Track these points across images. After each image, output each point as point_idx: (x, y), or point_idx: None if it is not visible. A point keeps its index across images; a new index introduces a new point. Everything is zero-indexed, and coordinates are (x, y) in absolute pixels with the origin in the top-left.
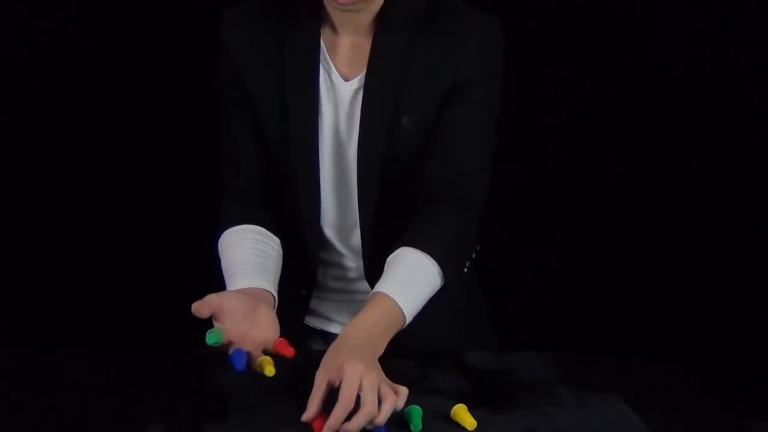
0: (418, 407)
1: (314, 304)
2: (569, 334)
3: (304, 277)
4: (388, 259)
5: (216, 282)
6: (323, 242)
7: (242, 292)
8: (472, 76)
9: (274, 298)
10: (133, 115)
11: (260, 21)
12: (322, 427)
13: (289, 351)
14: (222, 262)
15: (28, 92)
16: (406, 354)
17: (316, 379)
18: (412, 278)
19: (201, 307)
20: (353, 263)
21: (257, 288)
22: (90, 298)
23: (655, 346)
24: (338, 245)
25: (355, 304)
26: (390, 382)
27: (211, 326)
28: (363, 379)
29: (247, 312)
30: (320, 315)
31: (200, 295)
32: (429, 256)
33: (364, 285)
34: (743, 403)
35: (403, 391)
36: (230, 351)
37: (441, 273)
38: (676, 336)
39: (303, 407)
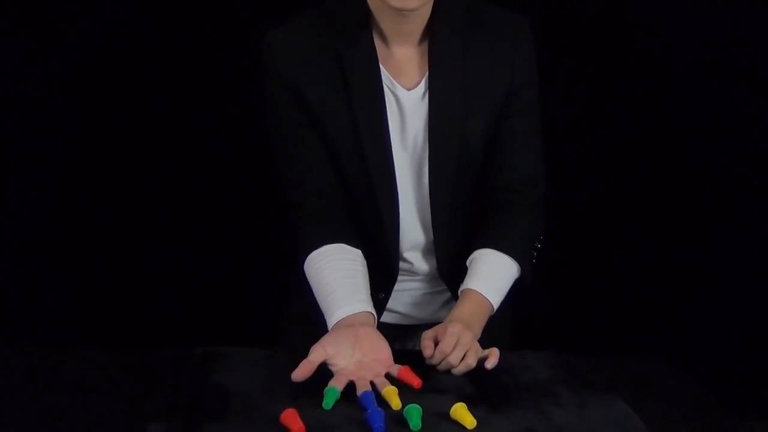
0: (417, 406)
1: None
2: (569, 334)
3: (383, 282)
4: (471, 259)
5: (215, 283)
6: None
7: (338, 327)
8: (523, 78)
9: (373, 314)
10: (134, 115)
11: (314, 41)
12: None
13: (415, 381)
14: (313, 287)
15: (28, 92)
16: (407, 353)
17: (423, 335)
18: (495, 274)
19: (307, 370)
20: (426, 265)
21: (353, 314)
22: (90, 298)
23: (655, 345)
24: (413, 250)
25: (423, 298)
26: (481, 349)
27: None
28: (460, 337)
29: (352, 343)
30: (392, 311)
31: (199, 295)
32: (507, 255)
33: (433, 283)
34: (743, 403)
35: (495, 352)
36: (358, 393)
37: (518, 267)
38: (676, 336)
39: (302, 407)
